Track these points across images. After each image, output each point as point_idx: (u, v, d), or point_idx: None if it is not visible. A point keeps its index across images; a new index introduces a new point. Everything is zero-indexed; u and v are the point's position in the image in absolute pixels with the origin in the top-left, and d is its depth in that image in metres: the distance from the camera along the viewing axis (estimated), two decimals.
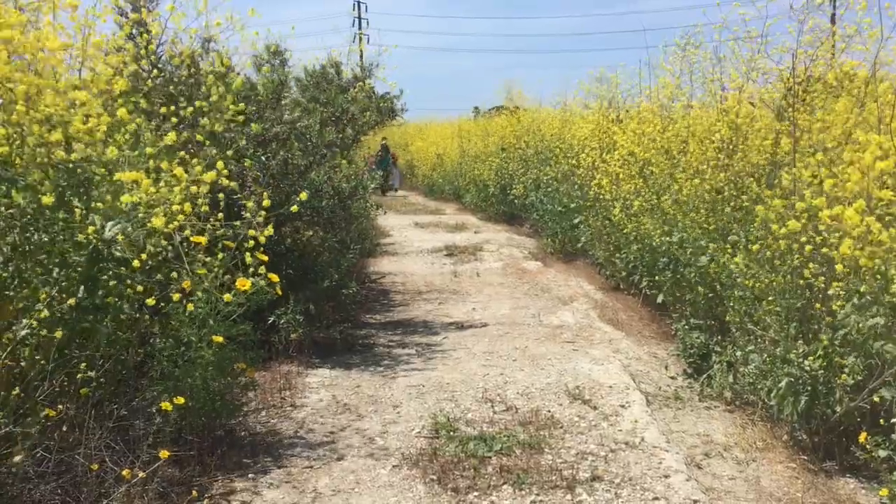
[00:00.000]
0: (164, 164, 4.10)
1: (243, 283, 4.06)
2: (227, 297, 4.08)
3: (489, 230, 15.09)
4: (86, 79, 4.08)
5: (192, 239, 4.09)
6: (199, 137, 4.76)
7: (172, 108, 4.78)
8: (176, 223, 3.97)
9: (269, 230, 4.29)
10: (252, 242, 4.20)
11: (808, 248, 4.30)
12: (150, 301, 3.98)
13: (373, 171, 18.75)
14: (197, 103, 4.85)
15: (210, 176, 4.16)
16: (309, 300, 6.55)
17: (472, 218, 17.19)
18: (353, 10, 50.75)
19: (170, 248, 4.13)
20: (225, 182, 4.27)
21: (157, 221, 3.87)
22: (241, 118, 4.99)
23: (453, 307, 8.62)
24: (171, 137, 4.23)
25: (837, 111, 4.78)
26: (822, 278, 4.37)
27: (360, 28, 49.92)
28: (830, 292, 4.24)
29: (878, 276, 3.84)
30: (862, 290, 3.92)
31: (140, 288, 3.93)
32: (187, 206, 4.00)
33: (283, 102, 6.83)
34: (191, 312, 4.06)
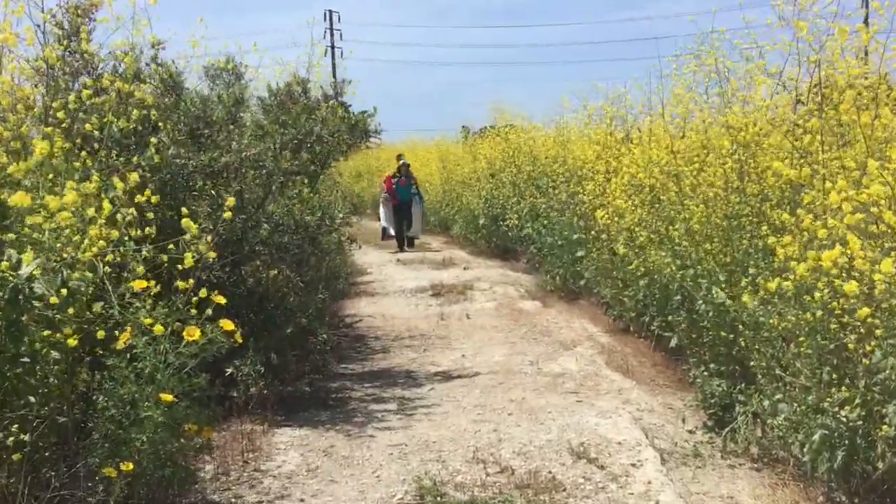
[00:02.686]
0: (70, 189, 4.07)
1: (192, 333, 4.02)
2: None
3: (480, 266, 15.11)
4: None
5: (134, 285, 4.06)
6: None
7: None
8: (95, 249, 3.93)
9: (208, 250, 4.27)
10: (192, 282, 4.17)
11: (836, 281, 4.30)
12: (72, 339, 3.88)
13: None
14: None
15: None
16: (271, 348, 6.52)
17: (460, 252, 17.22)
18: (325, 20, 51.19)
19: (97, 282, 4.08)
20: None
21: (87, 253, 3.83)
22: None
23: (440, 354, 8.60)
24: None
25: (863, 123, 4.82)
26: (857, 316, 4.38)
27: (332, 41, 50.38)
28: (864, 331, 4.25)
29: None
30: (878, 333, 3.97)
31: (69, 332, 3.83)
32: (114, 233, 3.98)
33: (240, 124, 6.84)
34: (134, 367, 4.02)
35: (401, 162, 18.63)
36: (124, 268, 4.26)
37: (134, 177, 4.28)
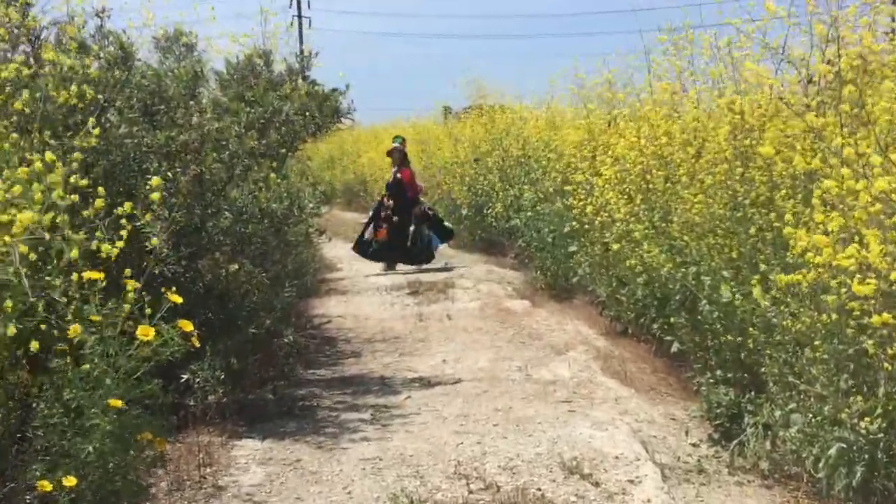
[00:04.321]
0: None
1: (146, 332, 3.98)
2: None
3: (463, 261, 15.15)
4: None
5: (87, 275, 4.01)
6: None
7: None
8: (7, 238, 3.88)
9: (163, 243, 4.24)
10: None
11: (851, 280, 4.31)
12: (35, 345, 3.86)
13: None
14: None
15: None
16: (231, 352, 6.48)
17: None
18: None
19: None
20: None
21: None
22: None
23: (418, 359, 8.60)
24: None
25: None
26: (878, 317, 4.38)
27: (298, 10, 50.20)
28: (886, 333, 4.25)
29: None
30: None
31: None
32: (46, 217, 3.93)
33: (197, 101, 6.78)
34: (83, 371, 3.98)
35: (394, 145, 14.92)
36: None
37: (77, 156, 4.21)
